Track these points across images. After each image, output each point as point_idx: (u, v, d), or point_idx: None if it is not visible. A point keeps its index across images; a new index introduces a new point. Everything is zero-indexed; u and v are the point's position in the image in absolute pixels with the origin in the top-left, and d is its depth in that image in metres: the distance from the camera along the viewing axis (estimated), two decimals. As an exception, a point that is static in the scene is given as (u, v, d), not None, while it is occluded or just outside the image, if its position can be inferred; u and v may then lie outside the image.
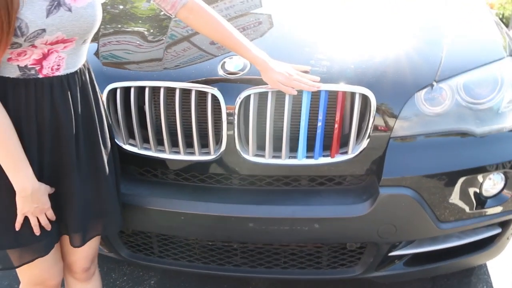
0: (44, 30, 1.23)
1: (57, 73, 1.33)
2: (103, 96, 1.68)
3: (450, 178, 1.64)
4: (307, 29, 1.89)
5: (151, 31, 1.96)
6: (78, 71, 1.38)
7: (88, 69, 1.44)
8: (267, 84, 1.58)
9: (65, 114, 1.34)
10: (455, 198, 1.67)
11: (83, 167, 1.41)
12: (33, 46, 1.25)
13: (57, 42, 1.28)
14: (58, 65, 1.32)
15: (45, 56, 1.29)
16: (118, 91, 1.69)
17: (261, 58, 1.54)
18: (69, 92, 1.35)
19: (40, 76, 1.30)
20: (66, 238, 1.50)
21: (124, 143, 1.75)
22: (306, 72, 1.61)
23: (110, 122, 1.62)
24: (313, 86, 1.56)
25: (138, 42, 1.87)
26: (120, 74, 1.72)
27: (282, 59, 1.60)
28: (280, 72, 1.53)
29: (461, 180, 1.65)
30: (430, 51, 1.75)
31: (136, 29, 2.00)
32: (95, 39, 1.76)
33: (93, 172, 1.44)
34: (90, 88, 1.43)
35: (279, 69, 1.54)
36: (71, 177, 1.39)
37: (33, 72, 1.30)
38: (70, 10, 1.26)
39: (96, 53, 1.84)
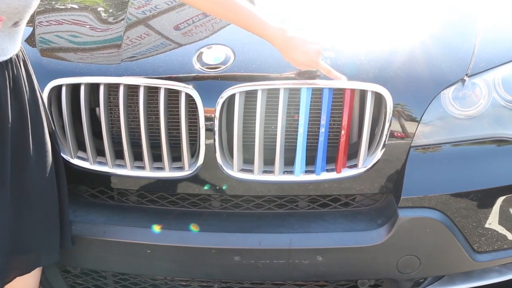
0: None
1: None
2: (43, 96, 1.56)
3: (486, 197, 1.57)
4: (308, 11, 1.85)
5: (107, 9, 1.91)
6: (8, 61, 1.29)
7: (24, 61, 1.36)
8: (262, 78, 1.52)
9: None
10: (493, 222, 1.59)
11: (4, 185, 1.33)
12: None
13: None
14: None
15: None
16: (64, 89, 1.58)
17: (279, 34, 1.46)
18: None
19: None
20: None
21: (71, 157, 1.64)
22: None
23: (53, 128, 1.53)
24: (338, 76, 1.48)
25: (89, 24, 1.80)
26: (66, 67, 1.63)
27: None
28: (305, 51, 1.45)
29: (500, 199, 1.57)
30: (459, 39, 1.70)
31: (85, 5, 1.94)
32: (29, 19, 1.64)
33: (18, 192, 1.35)
34: (25, 85, 1.33)
35: (304, 47, 1.47)
36: None
37: None
38: None
39: (32, 39, 1.73)
